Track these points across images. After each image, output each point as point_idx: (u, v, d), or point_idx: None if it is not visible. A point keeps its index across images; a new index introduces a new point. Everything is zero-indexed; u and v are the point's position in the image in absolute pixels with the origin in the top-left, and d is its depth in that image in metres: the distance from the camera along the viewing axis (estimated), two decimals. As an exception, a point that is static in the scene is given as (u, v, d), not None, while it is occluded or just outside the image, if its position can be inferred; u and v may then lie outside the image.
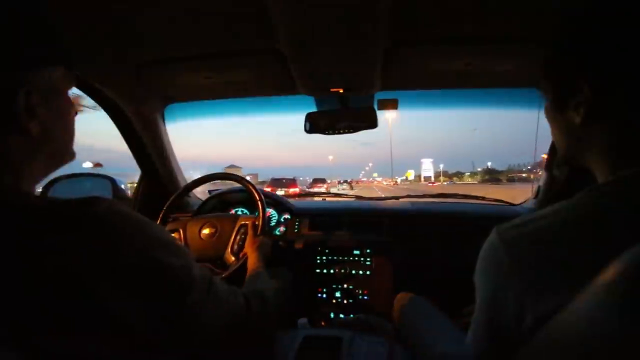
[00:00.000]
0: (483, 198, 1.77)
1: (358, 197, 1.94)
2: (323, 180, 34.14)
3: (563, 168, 1.22)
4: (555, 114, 0.49)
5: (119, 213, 0.43)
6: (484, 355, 0.46)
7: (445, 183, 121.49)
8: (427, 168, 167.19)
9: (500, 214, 1.52)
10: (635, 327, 0.26)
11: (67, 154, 0.52)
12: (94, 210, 0.41)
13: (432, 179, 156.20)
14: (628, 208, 0.37)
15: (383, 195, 1.96)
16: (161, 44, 0.93)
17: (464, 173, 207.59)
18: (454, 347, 0.60)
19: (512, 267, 0.40)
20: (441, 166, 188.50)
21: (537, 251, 0.39)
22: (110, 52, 0.95)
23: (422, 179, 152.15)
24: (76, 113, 0.53)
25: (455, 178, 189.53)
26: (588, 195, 0.41)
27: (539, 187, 1.43)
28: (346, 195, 2.03)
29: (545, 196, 1.38)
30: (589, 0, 0.44)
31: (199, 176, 1.34)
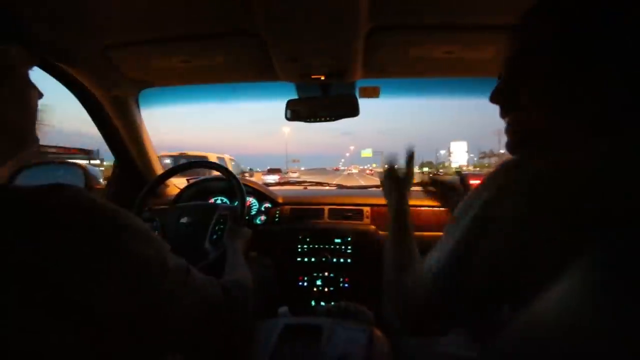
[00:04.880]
0: None
1: (340, 186, 1.95)
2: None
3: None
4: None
5: (85, 200, 0.41)
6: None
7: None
8: (459, 151, 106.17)
9: None
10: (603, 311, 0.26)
11: (29, 140, 0.49)
12: (58, 197, 0.39)
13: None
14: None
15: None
16: (133, 24, 0.88)
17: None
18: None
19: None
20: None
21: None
22: (78, 31, 0.89)
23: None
24: (41, 96, 0.50)
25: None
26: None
27: None
28: (328, 184, 2.03)
29: None
30: None
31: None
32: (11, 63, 0.45)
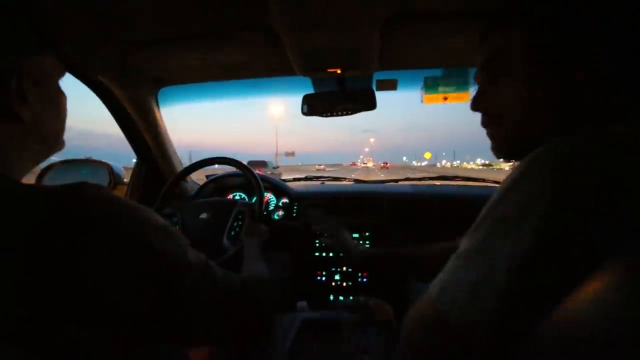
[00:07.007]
0: (483, 180, 1.76)
1: (357, 181, 1.93)
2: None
3: None
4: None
5: (108, 198, 0.42)
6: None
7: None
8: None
9: None
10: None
11: (58, 143, 0.52)
12: (81, 195, 0.40)
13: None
14: None
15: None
16: (149, 23, 0.89)
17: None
18: None
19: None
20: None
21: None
22: (96, 33, 0.91)
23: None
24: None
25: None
26: None
27: None
28: (345, 178, 2.02)
29: None
30: None
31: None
32: (47, 72, 0.48)
